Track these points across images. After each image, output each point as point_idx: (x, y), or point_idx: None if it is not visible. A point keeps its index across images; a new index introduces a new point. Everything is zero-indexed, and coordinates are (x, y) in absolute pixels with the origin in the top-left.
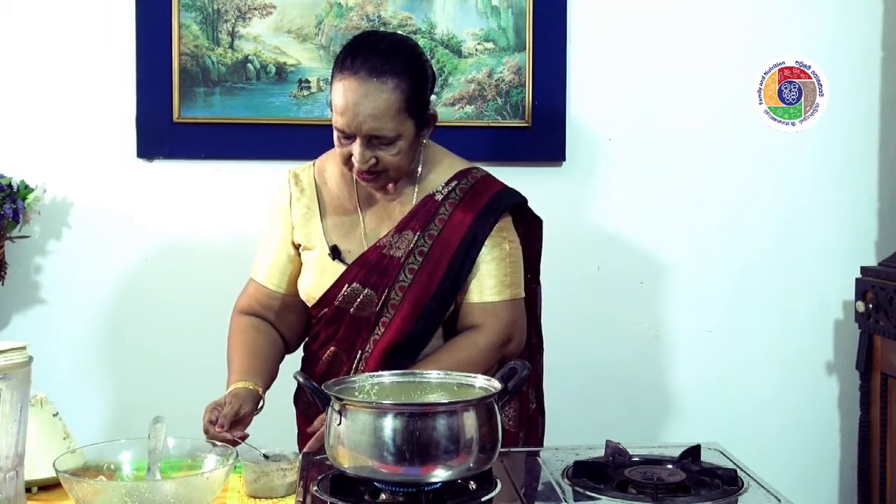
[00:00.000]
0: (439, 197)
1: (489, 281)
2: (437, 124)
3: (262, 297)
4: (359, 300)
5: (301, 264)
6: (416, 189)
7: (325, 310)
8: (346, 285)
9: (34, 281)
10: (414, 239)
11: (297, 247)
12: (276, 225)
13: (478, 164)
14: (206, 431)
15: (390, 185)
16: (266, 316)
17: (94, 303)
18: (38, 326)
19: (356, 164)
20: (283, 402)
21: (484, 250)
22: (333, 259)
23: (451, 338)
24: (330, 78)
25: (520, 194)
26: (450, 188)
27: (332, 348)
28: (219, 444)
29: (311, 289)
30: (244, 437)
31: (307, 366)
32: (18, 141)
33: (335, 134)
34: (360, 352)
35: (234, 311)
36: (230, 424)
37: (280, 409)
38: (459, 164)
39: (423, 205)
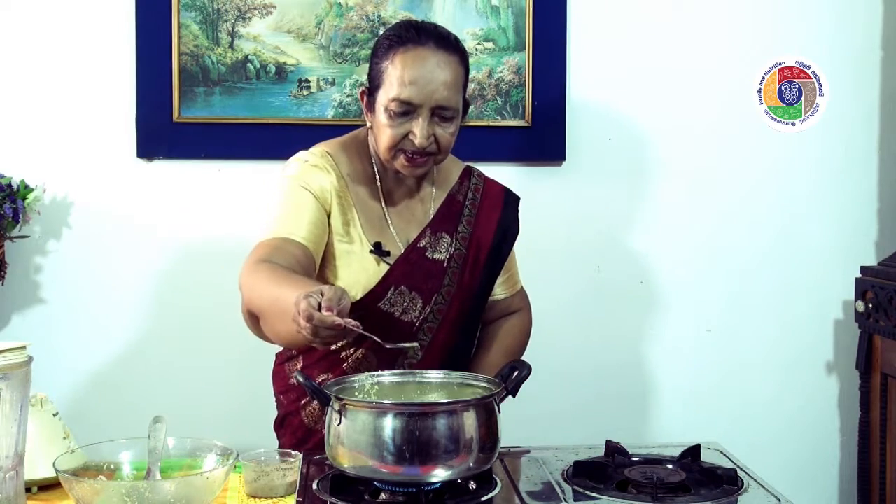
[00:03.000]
0: (460, 198)
1: (514, 270)
2: None
3: (288, 247)
4: (405, 304)
5: (325, 237)
6: (434, 188)
7: (363, 311)
8: (392, 287)
9: (34, 281)
10: (452, 242)
11: (329, 228)
12: (306, 193)
13: (479, 165)
14: (311, 318)
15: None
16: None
17: (94, 302)
18: (38, 326)
19: (418, 139)
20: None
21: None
22: (380, 257)
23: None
24: (378, 57)
25: (513, 192)
26: (466, 188)
27: (362, 350)
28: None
29: (350, 287)
30: (358, 325)
31: (317, 371)
32: (18, 141)
33: (386, 114)
34: (400, 357)
35: (246, 266)
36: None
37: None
38: (459, 162)
39: (448, 205)
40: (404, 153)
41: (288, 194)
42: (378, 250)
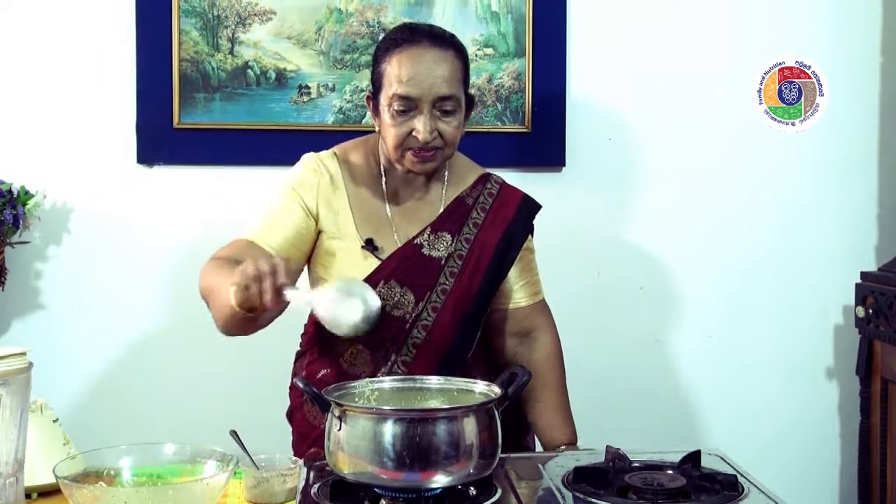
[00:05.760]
0: (470, 201)
1: (535, 279)
2: None
3: (248, 250)
4: (395, 298)
5: (309, 242)
6: (444, 190)
7: None
8: (382, 281)
9: (34, 286)
10: (452, 242)
11: (318, 231)
12: (295, 196)
13: None
14: (244, 272)
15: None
16: None
17: (94, 308)
18: (38, 332)
19: (421, 135)
20: (279, 409)
21: (526, 253)
22: (370, 252)
23: (482, 343)
24: (377, 61)
25: (536, 201)
26: (478, 192)
27: (359, 346)
28: (208, 451)
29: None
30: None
31: (319, 367)
32: (18, 147)
33: (389, 112)
34: (393, 354)
35: (209, 259)
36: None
37: (278, 416)
38: (479, 169)
39: (455, 207)
40: (411, 150)
41: (278, 196)
42: (369, 246)
